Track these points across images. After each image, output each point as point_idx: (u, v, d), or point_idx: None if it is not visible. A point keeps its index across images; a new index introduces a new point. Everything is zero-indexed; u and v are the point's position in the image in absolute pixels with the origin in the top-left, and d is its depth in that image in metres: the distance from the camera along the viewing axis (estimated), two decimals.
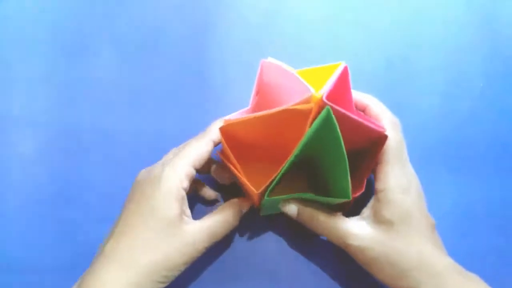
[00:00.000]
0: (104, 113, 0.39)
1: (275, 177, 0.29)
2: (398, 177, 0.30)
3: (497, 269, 0.36)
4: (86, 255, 0.35)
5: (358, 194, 0.30)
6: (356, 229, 0.30)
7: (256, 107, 0.33)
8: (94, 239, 0.35)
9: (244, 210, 0.33)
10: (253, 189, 0.29)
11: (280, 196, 0.30)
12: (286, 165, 0.28)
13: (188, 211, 0.30)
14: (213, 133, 0.31)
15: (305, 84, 0.28)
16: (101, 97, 0.39)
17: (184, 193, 0.29)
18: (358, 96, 0.33)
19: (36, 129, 0.38)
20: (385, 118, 0.32)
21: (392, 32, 0.41)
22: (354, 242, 0.29)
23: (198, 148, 0.30)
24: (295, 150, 0.28)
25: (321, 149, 0.29)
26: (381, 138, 0.30)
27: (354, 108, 0.33)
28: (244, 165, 0.30)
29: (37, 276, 0.35)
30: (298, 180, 0.35)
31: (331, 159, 0.29)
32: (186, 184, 0.29)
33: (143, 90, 0.39)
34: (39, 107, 0.39)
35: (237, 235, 0.36)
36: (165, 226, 0.28)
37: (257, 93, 0.33)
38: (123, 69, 0.40)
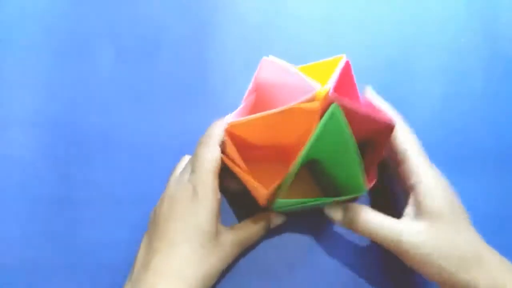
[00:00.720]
0: (104, 113, 0.39)
1: (286, 177, 0.28)
2: (429, 169, 0.30)
3: None
4: (86, 255, 0.35)
5: (371, 184, 0.30)
6: (409, 225, 0.29)
7: (255, 106, 0.33)
8: (94, 239, 0.35)
9: (274, 224, 0.34)
10: (263, 190, 0.29)
11: (293, 200, 0.30)
12: (297, 164, 0.28)
13: (220, 219, 0.32)
14: (217, 137, 0.31)
15: (309, 81, 0.28)
16: (101, 97, 0.39)
17: (219, 205, 0.31)
18: (375, 101, 0.34)
19: (36, 129, 0.38)
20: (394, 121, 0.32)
21: (392, 32, 0.41)
22: (409, 237, 0.28)
23: (215, 156, 0.31)
24: (305, 149, 0.27)
25: (330, 146, 0.28)
26: (389, 128, 0.30)
27: (361, 99, 0.33)
28: (250, 167, 0.30)
29: (37, 276, 0.35)
30: (304, 180, 0.35)
31: (340, 155, 0.28)
32: (219, 195, 0.31)
33: (143, 90, 0.39)
34: (39, 107, 0.39)
35: None
36: (207, 241, 0.30)
37: (254, 91, 0.33)
38: (123, 69, 0.40)
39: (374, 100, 0.33)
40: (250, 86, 0.32)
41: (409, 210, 0.30)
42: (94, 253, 0.35)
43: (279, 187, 0.29)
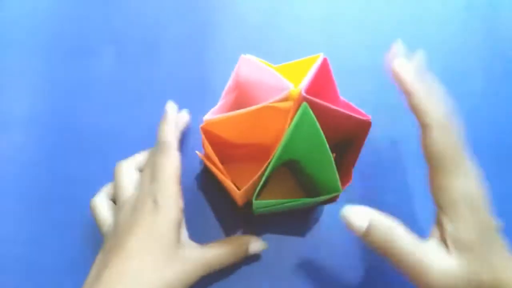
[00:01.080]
0: (104, 113, 0.39)
1: (259, 178, 0.28)
2: (461, 188, 0.27)
3: None
4: (86, 255, 0.35)
5: (346, 185, 0.30)
6: (434, 247, 0.26)
7: (235, 104, 0.32)
8: (94, 239, 0.35)
9: (253, 250, 0.32)
10: (235, 190, 0.28)
11: (271, 201, 0.30)
12: (270, 167, 0.28)
13: (184, 231, 0.30)
14: (173, 142, 0.30)
15: (283, 80, 0.28)
16: (101, 97, 0.39)
17: (181, 215, 0.29)
18: (406, 78, 0.29)
19: (36, 129, 0.38)
20: (428, 116, 0.28)
21: (392, 32, 0.41)
22: (434, 260, 0.25)
23: (174, 163, 0.30)
24: (278, 149, 0.27)
25: (303, 146, 0.28)
26: (365, 125, 0.30)
27: (340, 98, 0.32)
28: (227, 166, 0.30)
29: (37, 276, 0.35)
30: (286, 181, 0.35)
31: (315, 156, 0.28)
32: (181, 203, 0.29)
33: (143, 90, 0.39)
34: (39, 107, 0.39)
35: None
36: (167, 253, 0.28)
37: (234, 89, 0.33)
38: (123, 69, 0.40)
39: (403, 76, 0.29)
40: (229, 83, 0.32)
41: (434, 231, 0.28)
42: (94, 253, 0.35)
43: (254, 188, 0.29)
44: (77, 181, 0.37)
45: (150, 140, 0.38)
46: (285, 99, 0.28)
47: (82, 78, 0.39)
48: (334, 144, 0.30)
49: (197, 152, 0.32)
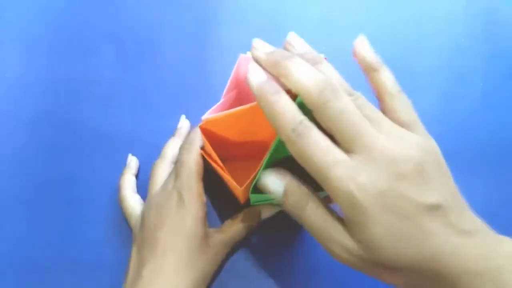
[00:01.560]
0: (104, 112, 0.39)
1: (256, 173, 0.28)
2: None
3: None
4: (86, 255, 0.35)
5: None
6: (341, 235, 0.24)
7: (235, 103, 0.32)
8: (94, 239, 0.35)
9: (265, 215, 0.34)
10: (237, 186, 0.29)
11: (265, 195, 0.29)
12: (266, 160, 0.27)
13: (207, 222, 0.32)
14: (198, 141, 0.32)
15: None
16: (101, 97, 0.39)
17: (205, 208, 0.31)
18: (369, 57, 0.29)
19: (36, 129, 0.38)
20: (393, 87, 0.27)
21: (392, 32, 0.41)
22: (337, 249, 0.24)
23: (197, 161, 0.31)
24: (273, 144, 0.27)
25: None
26: None
27: None
28: (228, 164, 0.30)
29: (37, 276, 0.35)
30: None
31: None
32: (204, 198, 0.31)
33: (143, 89, 0.39)
34: (39, 107, 0.39)
35: None
36: (196, 246, 0.30)
37: (233, 88, 0.33)
38: (123, 69, 0.40)
39: (367, 54, 0.29)
40: (229, 82, 0.32)
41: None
42: (94, 253, 0.35)
43: (250, 184, 0.29)
44: (76, 181, 0.37)
45: (150, 139, 0.38)
46: None
47: (82, 78, 0.39)
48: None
49: (200, 151, 0.32)
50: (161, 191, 0.32)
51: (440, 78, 0.40)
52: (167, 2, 0.42)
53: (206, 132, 0.30)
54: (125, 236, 0.35)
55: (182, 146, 0.32)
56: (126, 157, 0.37)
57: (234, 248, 0.33)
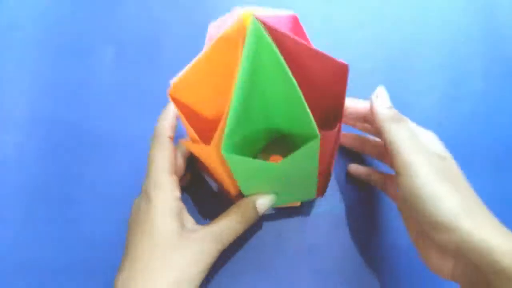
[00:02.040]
0: (103, 113, 0.39)
1: (224, 123, 0.25)
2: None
3: None
4: (86, 255, 0.35)
5: (338, 126, 0.27)
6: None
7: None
8: (94, 239, 0.35)
9: (262, 207, 0.30)
10: (206, 147, 0.25)
11: (245, 157, 0.25)
12: (234, 102, 0.24)
13: (189, 219, 0.30)
14: (164, 133, 0.30)
15: (239, 12, 0.24)
16: (100, 97, 0.39)
17: (178, 203, 0.29)
18: (357, 104, 0.31)
19: (36, 129, 0.38)
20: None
21: (392, 32, 0.41)
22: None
23: (165, 155, 0.30)
24: (236, 85, 0.23)
25: (266, 86, 0.25)
26: (343, 69, 0.26)
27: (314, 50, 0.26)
28: (205, 139, 0.27)
29: (37, 276, 0.35)
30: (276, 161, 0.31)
31: (281, 90, 0.25)
32: (177, 192, 0.29)
33: (143, 90, 0.39)
34: (39, 107, 0.39)
35: None
36: (172, 243, 0.27)
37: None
38: (123, 69, 0.40)
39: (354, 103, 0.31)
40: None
41: None
42: (93, 253, 0.35)
43: (226, 133, 0.25)
44: (76, 181, 0.37)
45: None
46: (238, 28, 0.23)
47: (82, 78, 0.40)
48: (315, 98, 0.26)
49: (180, 141, 0.32)
50: (140, 193, 0.30)
51: (440, 78, 0.40)
52: (167, 2, 0.42)
53: (178, 105, 0.28)
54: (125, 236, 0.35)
55: (151, 138, 0.31)
56: (126, 157, 0.37)
57: (228, 245, 0.30)
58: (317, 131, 0.24)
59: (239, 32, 0.23)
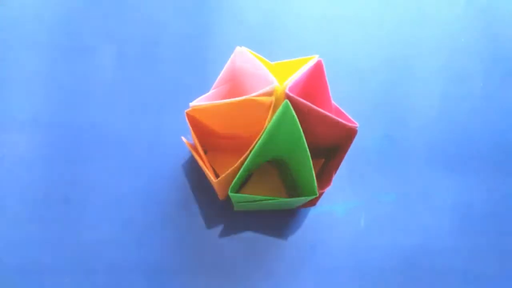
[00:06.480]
0: (104, 113, 0.39)
1: (236, 171, 0.28)
2: None
3: (497, 269, 0.36)
4: (86, 255, 0.35)
5: (325, 189, 0.30)
6: None
7: (229, 94, 0.32)
8: (94, 239, 0.35)
9: None
10: (212, 178, 0.28)
11: (247, 195, 0.29)
12: (248, 160, 0.27)
13: None
14: None
15: (269, 76, 0.27)
16: (101, 97, 0.39)
17: None
18: None
19: (36, 129, 0.38)
20: None
21: (392, 32, 0.41)
22: None
23: None
24: (255, 145, 0.27)
25: (284, 145, 0.28)
26: (351, 132, 0.29)
27: (332, 104, 0.31)
28: (212, 154, 0.30)
29: (37, 276, 0.35)
30: (271, 180, 0.34)
31: (295, 155, 0.28)
32: None
33: (143, 90, 0.39)
34: (39, 107, 0.39)
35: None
36: None
37: (228, 80, 0.32)
38: (123, 69, 0.40)
39: None
40: (222, 74, 0.32)
41: None
42: (94, 253, 0.35)
43: (232, 180, 0.29)
44: (76, 181, 0.37)
45: (150, 139, 0.38)
46: (269, 94, 0.27)
47: (82, 78, 0.39)
48: (321, 149, 0.29)
49: (182, 138, 0.32)
50: None
51: (440, 78, 0.40)
52: (167, 2, 0.42)
53: (191, 120, 0.30)
54: (126, 236, 0.35)
55: None
56: (126, 157, 0.37)
57: None
58: (317, 191, 0.28)
59: (267, 106, 0.27)
